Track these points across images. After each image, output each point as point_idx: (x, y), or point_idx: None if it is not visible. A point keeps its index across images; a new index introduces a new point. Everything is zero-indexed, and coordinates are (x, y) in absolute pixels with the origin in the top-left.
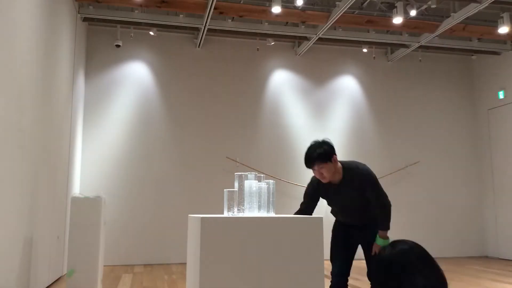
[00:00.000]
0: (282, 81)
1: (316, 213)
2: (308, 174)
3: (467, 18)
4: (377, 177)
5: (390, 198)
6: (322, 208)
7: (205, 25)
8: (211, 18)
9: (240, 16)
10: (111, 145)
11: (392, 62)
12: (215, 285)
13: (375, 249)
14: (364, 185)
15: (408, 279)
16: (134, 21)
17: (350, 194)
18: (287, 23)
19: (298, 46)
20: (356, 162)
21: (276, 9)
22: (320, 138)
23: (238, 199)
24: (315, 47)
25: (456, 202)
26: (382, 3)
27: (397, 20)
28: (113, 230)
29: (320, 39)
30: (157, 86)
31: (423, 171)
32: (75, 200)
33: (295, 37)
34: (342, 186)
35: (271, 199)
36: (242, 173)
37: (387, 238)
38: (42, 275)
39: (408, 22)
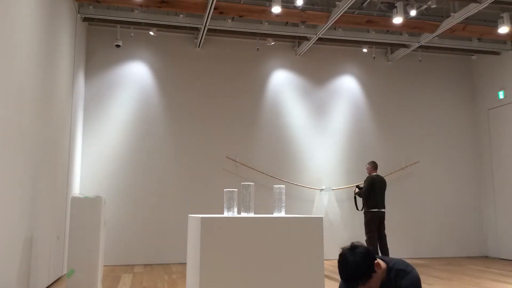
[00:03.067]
0: (282, 81)
1: (316, 213)
2: (308, 174)
3: (467, 18)
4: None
5: (390, 198)
6: (322, 207)
7: (205, 25)
8: (211, 18)
9: (240, 16)
10: (111, 145)
11: (392, 62)
12: (215, 285)
13: None
14: None
15: None
16: (134, 21)
17: None
18: (287, 23)
19: (298, 46)
20: (405, 263)
21: (276, 9)
22: (344, 247)
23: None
24: (315, 47)
25: (456, 202)
26: (382, 3)
27: (397, 20)
28: (113, 230)
29: (320, 39)
30: (157, 86)
31: (423, 171)
32: (75, 200)
33: (295, 37)
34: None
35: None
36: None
37: None
38: (42, 275)
39: (408, 22)
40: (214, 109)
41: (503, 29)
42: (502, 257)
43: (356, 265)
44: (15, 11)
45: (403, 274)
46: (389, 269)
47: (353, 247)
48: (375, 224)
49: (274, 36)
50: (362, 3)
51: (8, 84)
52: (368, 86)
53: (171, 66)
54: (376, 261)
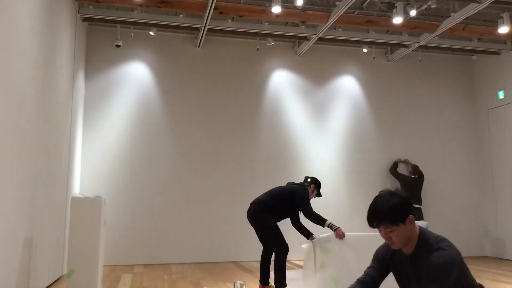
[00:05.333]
0: (282, 81)
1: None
2: (308, 174)
3: (467, 18)
4: (377, 177)
5: None
6: (321, 210)
7: (205, 25)
8: (211, 18)
9: (240, 16)
10: (111, 145)
11: (392, 62)
12: None
13: None
14: (432, 279)
15: None
16: (134, 21)
17: (420, 277)
18: (287, 23)
19: (298, 46)
20: (440, 237)
21: (276, 9)
22: (390, 188)
23: None
24: (315, 47)
25: (456, 202)
26: (382, 3)
27: (397, 20)
28: (113, 230)
29: (320, 39)
30: (157, 86)
31: (422, 171)
32: (75, 200)
33: (295, 37)
34: (415, 261)
35: None
36: None
37: None
38: (42, 275)
39: (408, 22)
40: (214, 109)
41: (503, 29)
42: (502, 257)
43: (390, 204)
44: (14, 12)
45: (435, 249)
46: (421, 239)
47: (395, 192)
48: None
49: (274, 36)
50: (362, 3)
51: (8, 85)
52: (368, 86)
53: (171, 66)
54: (411, 216)
